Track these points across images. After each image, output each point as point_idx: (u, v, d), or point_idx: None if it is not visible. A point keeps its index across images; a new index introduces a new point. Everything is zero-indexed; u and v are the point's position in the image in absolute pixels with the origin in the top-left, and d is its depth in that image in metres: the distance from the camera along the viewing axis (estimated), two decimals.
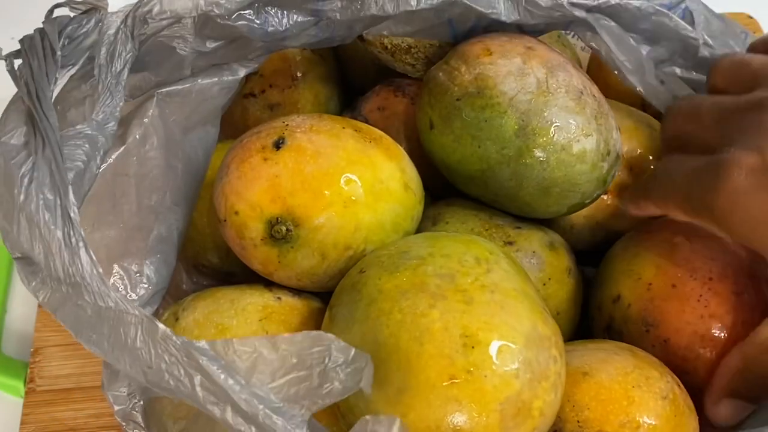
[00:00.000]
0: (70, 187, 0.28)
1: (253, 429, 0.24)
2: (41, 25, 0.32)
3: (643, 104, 0.48)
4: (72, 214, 0.27)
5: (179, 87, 0.38)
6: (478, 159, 0.39)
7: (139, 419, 0.33)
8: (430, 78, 0.41)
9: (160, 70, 0.38)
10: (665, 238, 0.41)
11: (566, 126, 0.38)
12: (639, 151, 0.45)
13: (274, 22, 0.37)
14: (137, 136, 0.37)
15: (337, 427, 0.35)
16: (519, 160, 0.38)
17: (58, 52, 0.31)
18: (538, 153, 0.38)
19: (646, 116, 0.47)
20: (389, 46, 0.44)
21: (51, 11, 0.33)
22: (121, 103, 0.32)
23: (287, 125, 0.39)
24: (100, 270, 0.27)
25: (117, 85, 0.33)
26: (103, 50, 0.33)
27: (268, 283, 0.40)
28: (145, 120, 0.37)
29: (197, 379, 0.25)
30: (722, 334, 0.37)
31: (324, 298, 0.41)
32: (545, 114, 0.38)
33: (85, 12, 0.33)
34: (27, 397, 0.47)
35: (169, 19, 0.35)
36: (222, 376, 0.24)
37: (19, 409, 0.47)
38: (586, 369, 0.36)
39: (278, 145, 0.37)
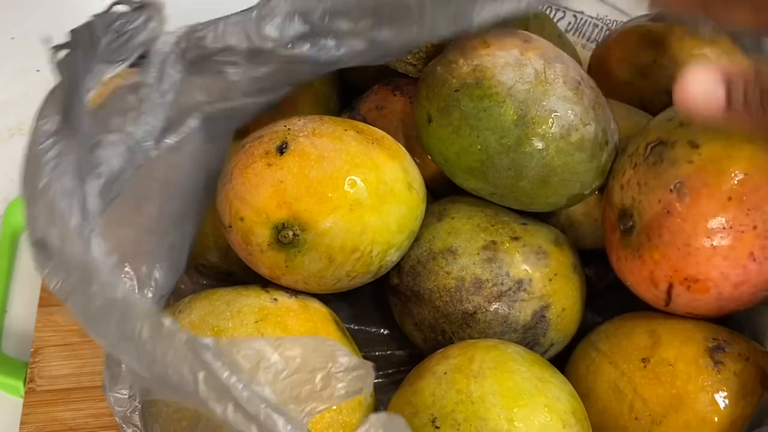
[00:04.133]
0: (91, 178, 0.28)
1: (254, 428, 0.24)
2: (75, 24, 0.32)
3: (642, 104, 0.48)
4: (89, 204, 0.27)
5: (224, 105, 0.38)
6: (477, 149, 0.39)
7: (138, 421, 0.33)
8: (428, 73, 0.41)
9: (209, 90, 0.37)
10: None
11: (565, 115, 0.38)
12: None
13: (328, 52, 0.36)
14: (172, 143, 0.36)
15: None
16: (518, 149, 0.38)
17: (103, 47, 0.31)
18: (537, 142, 0.38)
19: (646, 116, 0.47)
20: None
21: (110, 6, 0.33)
22: (161, 124, 0.33)
23: (289, 129, 0.38)
24: (112, 261, 0.27)
25: (161, 106, 0.33)
26: (153, 70, 0.33)
27: (265, 284, 0.40)
28: (184, 129, 0.37)
29: (201, 375, 0.24)
30: None
31: (323, 299, 0.41)
32: (544, 103, 0.38)
33: (137, 8, 0.33)
34: (27, 397, 0.47)
35: (221, 46, 0.35)
36: (226, 374, 0.24)
37: (19, 409, 0.47)
38: None
39: (281, 150, 0.37)
